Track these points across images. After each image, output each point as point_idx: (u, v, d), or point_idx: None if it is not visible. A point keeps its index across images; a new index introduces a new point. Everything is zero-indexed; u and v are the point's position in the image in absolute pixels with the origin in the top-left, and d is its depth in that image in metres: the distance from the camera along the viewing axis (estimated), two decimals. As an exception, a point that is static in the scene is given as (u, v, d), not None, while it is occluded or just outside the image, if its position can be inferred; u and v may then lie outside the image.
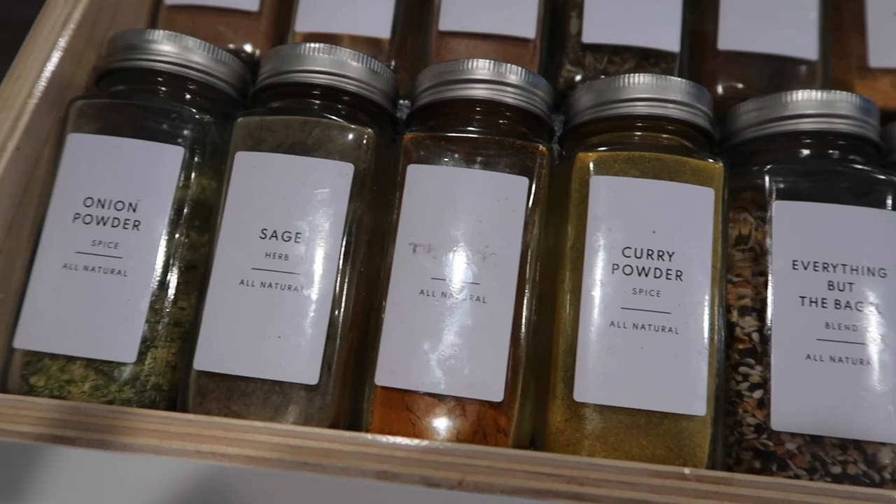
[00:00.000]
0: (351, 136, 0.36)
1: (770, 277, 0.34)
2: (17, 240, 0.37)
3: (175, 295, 0.36)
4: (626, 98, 0.38)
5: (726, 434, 0.35)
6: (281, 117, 0.37)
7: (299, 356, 0.34)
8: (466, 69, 0.39)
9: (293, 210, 0.35)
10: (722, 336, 0.35)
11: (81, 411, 0.30)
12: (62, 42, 0.39)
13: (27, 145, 0.37)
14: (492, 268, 0.34)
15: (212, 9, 0.46)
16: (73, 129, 0.37)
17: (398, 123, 0.42)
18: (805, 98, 0.38)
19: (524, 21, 0.45)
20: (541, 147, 0.36)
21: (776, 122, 0.38)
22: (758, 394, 0.34)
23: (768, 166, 0.36)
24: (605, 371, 0.33)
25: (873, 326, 0.33)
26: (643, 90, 0.38)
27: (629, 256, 0.34)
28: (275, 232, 0.35)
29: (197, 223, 0.37)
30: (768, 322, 0.34)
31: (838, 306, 0.33)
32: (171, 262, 0.35)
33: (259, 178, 0.36)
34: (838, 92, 0.38)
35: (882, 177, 0.36)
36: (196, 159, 0.37)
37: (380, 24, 0.45)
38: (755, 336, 0.35)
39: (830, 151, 0.38)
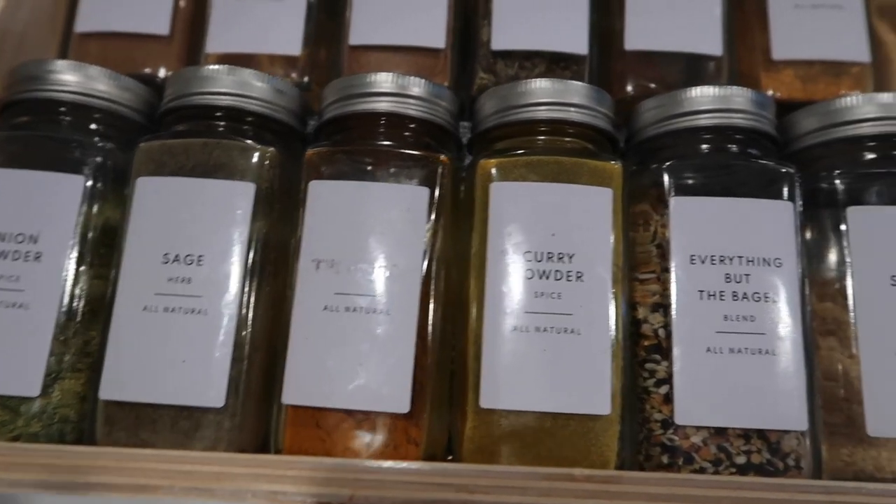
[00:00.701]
0: (251, 156, 0.36)
1: (671, 273, 0.35)
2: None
3: (82, 325, 0.35)
4: (526, 103, 0.38)
5: (636, 431, 0.35)
6: (181, 140, 0.37)
7: (205, 380, 0.34)
8: (369, 83, 0.39)
9: (195, 233, 0.35)
10: (627, 334, 0.35)
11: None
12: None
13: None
14: (395, 280, 0.34)
15: (122, 35, 0.46)
16: (-26, 165, 0.37)
17: (308, 140, 0.42)
18: (702, 94, 0.38)
19: (433, 32, 0.45)
20: (442, 157, 0.37)
21: (675, 118, 0.38)
22: (664, 389, 0.34)
23: (667, 163, 0.37)
24: (509, 376, 0.33)
25: (771, 316, 0.34)
26: (543, 94, 0.38)
27: (530, 260, 0.34)
28: (177, 256, 0.35)
29: (102, 251, 0.36)
30: (671, 317, 0.34)
31: (736, 298, 0.34)
32: (75, 292, 0.35)
33: (160, 202, 0.36)
34: (733, 87, 0.38)
35: (777, 168, 0.36)
36: (99, 187, 0.37)
37: (290, 42, 0.45)
38: (661, 332, 0.35)
39: (728, 146, 0.38)
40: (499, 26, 0.45)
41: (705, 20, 0.45)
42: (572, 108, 0.38)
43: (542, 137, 0.38)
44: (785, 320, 0.34)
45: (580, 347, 0.33)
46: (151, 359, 0.34)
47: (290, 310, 0.35)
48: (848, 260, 0.35)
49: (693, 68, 0.45)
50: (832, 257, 0.36)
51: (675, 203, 0.35)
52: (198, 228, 0.35)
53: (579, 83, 0.39)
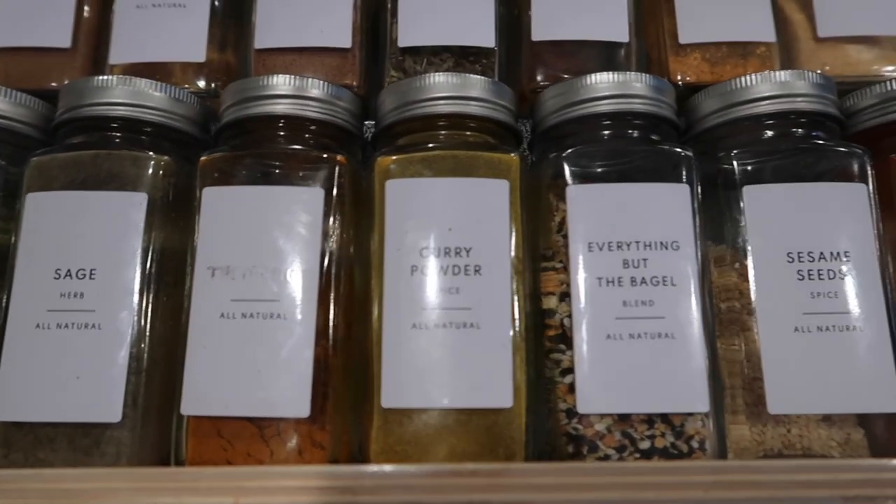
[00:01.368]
0: (144, 166, 0.36)
1: (570, 262, 0.35)
2: None
3: (-23, 346, 0.35)
4: (424, 98, 0.38)
5: (545, 422, 0.35)
6: (72, 153, 0.36)
7: (101, 395, 0.33)
8: (266, 85, 0.38)
9: (86, 247, 0.34)
10: (532, 325, 0.35)
11: None
12: None
13: None
14: (291, 283, 0.34)
15: (24, 49, 0.45)
16: None
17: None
18: (600, 81, 0.38)
19: (339, 32, 0.45)
20: (338, 157, 0.36)
21: (574, 106, 0.38)
22: (568, 379, 0.34)
23: (565, 152, 0.36)
24: (409, 374, 0.33)
25: (670, 299, 0.34)
26: (441, 89, 0.38)
27: (427, 256, 0.34)
28: (69, 271, 0.34)
29: (-5, 271, 0.36)
30: (572, 306, 0.34)
31: (634, 283, 0.34)
32: (-33, 313, 0.35)
33: (50, 217, 0.35)
34: (631, 73, 0.38)
35: (673, 151, 0.36)
36: (-10, 205, 0.36)
37: (194, 48, 0.45)
38: (566, 321, 0.35)
39: (628, 132, 0.38)
40: (405, 23, 0.45)
41: (612, 8, 0.45)
42: (472, 102, 0.38)
43: (442, 132, 0.38)
44: (684, 303, 0.34)
45: (480, 341, 0.33)
46: (46, 377, 0.33)
47: (186, 319, 0.34)
48: (746, 239, 0.35)
49: (601, 56, 0.45)
50: (731, 237, 0.36)
51: (572, 191, 0.35)
52: (89, 242, 0.34)
53: (478, 77, 0.39)
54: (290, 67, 0.45)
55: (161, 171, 0.36)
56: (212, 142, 0.41)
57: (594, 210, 0.35)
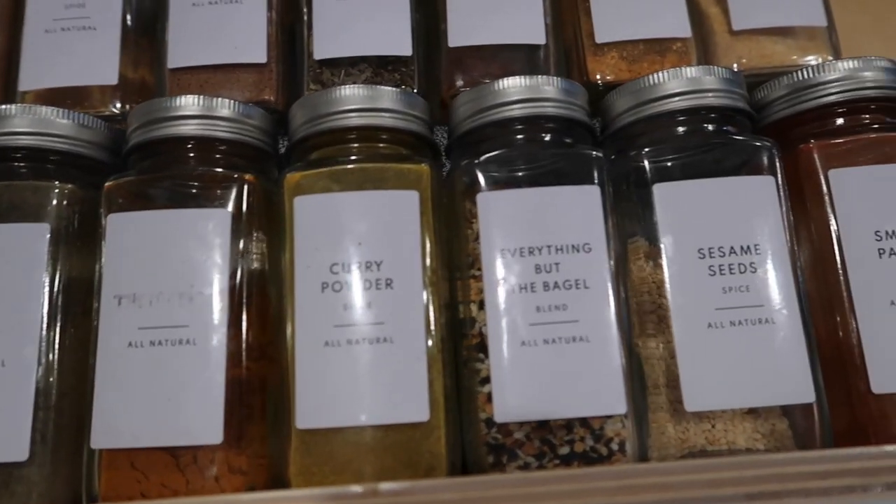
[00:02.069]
0: (46, 196, 0.35)
1: (484, 269, 0.34)
2: None
3: None
4: (334, 111, 0.38)
5: (467, 433, 0.34)
6: (-28, 186, 0.35)
7: (7, 433, 0.32)
8: (172, 106, 0.38)
9: (-12, 282, 0.33)
10: (452, 335, 0.35)
11: None
12: None
13: None
14: (199, 308, 0.33)
15: (-69, 80, 0.44)
16: None
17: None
18: (511, 85, 0.38)
19: (254, 47, 0.44)
20: (247, 176, 0.36)
21: (486, 111, 0.38)
22: (487, 388, 0.34)
23: (477, 158, 0.36)
24: (322, 393, 0.32)
25: (583, 302, 0.33)
26: (351, 101, 0.38)
27: (337, 273, 0.34)
28: (-30, 308, 0.33)
29: None
30: (487, 314, 0.34)
31: (547, 288, 0.34)
32: None
33: (-51, 253, 0.34)
34: (541, 77, 0.38)
35: (583, 153, 0.36)
36: None
37: (106, 71, 0.44)
38: (484, 330, 0.34)
39: (541, 135, 0.38)
40: (321, 35, 0.44)
41: (528, 10, 0.45)
42: (383, 114, 0.38)
43: (354, 145, 0.38)
44: (598, 305, 0.34)
45: (394, 356, 0.33)
46: (-51, 418, 0.32)
47: (93, 350, 0.33)
48: (658, 237, 0.35)
49: (519, 59, 0.44)
50: (647, 235, 0.36)
51: (482, 198, 0.35)
52: (-10, 276, 0.33)
53: (388, 88, 0.38)
54: (206, 86, 0.44)
55: (65, 200, 0.35)
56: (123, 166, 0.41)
57: (505, 216, 0.34)
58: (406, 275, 0.34)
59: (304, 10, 0.46)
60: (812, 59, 0.45)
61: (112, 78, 0.44)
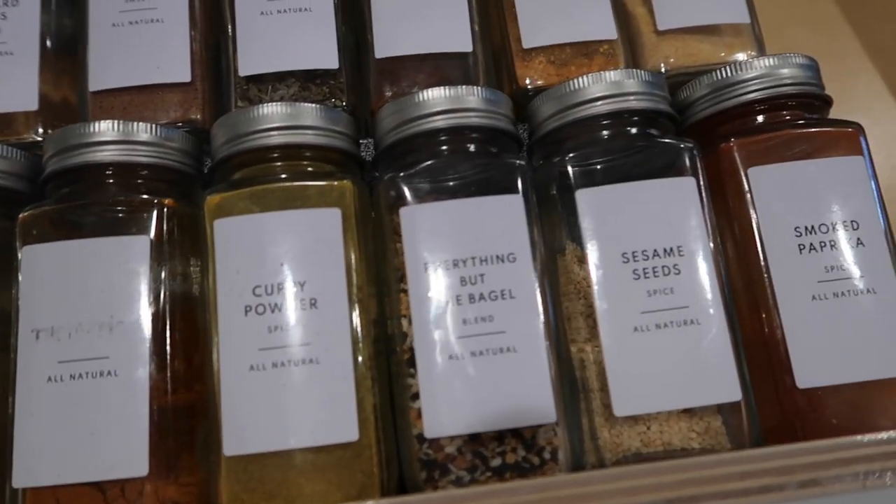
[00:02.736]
0: (-46, 228, 0.34)
1: (409, 283, 0.34)
2: None
3: None
4: (255, 130, 0.37)
5: (402, 450, 0.34)
6: None
7: (-77, 478, 0.31)
8: (88, 133, 0.37)
9: None
10: (376, 352, 0.34)
11: None
12: None
13: None
14: (120, 338, 0.33)
15: None
16: None
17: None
18: (434, 96, 0.38)
19: (177, 66, 0.44)
20: (166, 201, 0.35)
21: (408, 124, 0.38)
22: (418, 404, 0.33)
23: (401, 171, 0.36)
24: (249, 418, 0.32)
25: (509, 313, 0.33)
26: (272, 119, 0.37)
27: (260, 295, 0.33)
28: None
29: None
30: (414, 329, 0.34)
31: (473, 300, 0.33)
32: None
33: None
34: (465, 87, 0.38)
35: (506, 162, 0.36)
36: None
37: (25, 97, 0.43)
38: (414, 345, 0.34)
39: (466, 146, 0.38)
40: (245, 51, 0.44)
41: (454, 18, 0.45)
42: (308, 131, 0.37)
43: (277, 164, 0.37)
44: (524, 315, 0.33)
45: (320, 377, 0.32)
46: None
47: (11, 387, 0.33)
48: (583, 243, 0.35)
49: (447, 68, 0.44)
50: (574, 241, 0.36)
51: (405, 212, 0.35)
52: None
53: (310, 105, 0.38)
54: (129, 108, 0.43)
55: (-22, 233, 0.34)
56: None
57: (429, 229, 0.34)
58: (331, 293, 0.33)
59: (229, 26, 0.45)
60: (739, 56, 0.45)
61: (32, 103, 0.43)
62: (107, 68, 0.44)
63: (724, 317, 0.34)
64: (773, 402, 0.34)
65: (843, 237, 0.35)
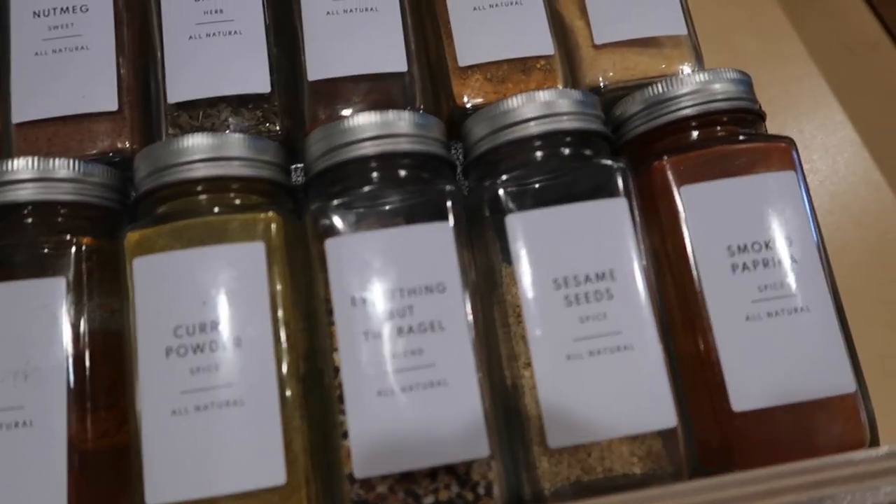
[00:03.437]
0: None
1: (336, 318, 0.33)
2: None
3: None
4: (178, 162, 0.36)
5: (335, 490, 0.33)
6: None
7: None
8: (6, 171, 0.36)
9: None
10: (303, 390, 0.33)
11: None
12: None
13: None
14: (36, 385, 0.32)
15: None
16: None
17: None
18: (362, 122, 0.37)
19: (104, 94, 0.42)
20: (84, 239, 0.34)
21: (336, 150, 0.37)
22: (348, 442, 0.32)
23: (326, 202, 0.35)
24: (171, 465, 0.31)
25: (439, 345, 0.33)
26: (196, 151, 0.36)
27: (181, 336, 0.32)
28: None
29: None
30: (341, 364, 0.33)
31: (401, 333, 0.33)
32: None
33: None
34: (394, 112, 0.37)
35: (435, 188, 0.35)
36: None
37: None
38: (343, 381, 0.33)
39: (397, 172, 0.37)
40: (174, 77, 0.43)
41: (386, 38, 0.44)
42: (234, 163, 0.36)
43: (202, 196, 0.36)
44: (455, 347, 0.33)
45: (245, 419, 0.32)
46: None
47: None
48: (513, 268, 0.34)
49: (381, 89, 0.43)
50: (506, 265, 0.35)
51: (329, 245, 0.34)
52: None
53: (237, 135, 0.37)
54: (54, 139, 0.42)
55: None
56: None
57: (355, 261, 0.33)
58: (255, 332, 0.32)
59: (158, 51, 0.44)
60: (677, 67, 0.45)
61: (-51, 138, 0.42)
62: (30, 99, 0.42)
63: (658, 341, 0.33)
64: (712, 425, 0.34)
65: (775, 255, 0.34)
